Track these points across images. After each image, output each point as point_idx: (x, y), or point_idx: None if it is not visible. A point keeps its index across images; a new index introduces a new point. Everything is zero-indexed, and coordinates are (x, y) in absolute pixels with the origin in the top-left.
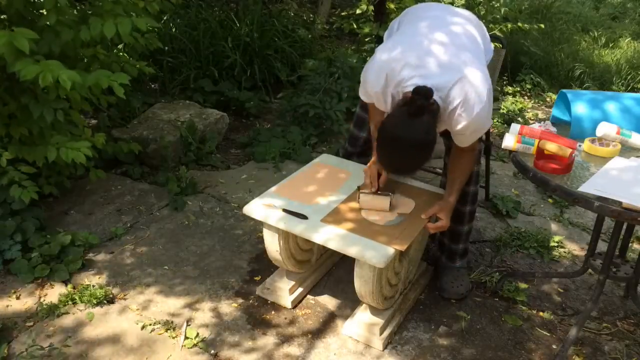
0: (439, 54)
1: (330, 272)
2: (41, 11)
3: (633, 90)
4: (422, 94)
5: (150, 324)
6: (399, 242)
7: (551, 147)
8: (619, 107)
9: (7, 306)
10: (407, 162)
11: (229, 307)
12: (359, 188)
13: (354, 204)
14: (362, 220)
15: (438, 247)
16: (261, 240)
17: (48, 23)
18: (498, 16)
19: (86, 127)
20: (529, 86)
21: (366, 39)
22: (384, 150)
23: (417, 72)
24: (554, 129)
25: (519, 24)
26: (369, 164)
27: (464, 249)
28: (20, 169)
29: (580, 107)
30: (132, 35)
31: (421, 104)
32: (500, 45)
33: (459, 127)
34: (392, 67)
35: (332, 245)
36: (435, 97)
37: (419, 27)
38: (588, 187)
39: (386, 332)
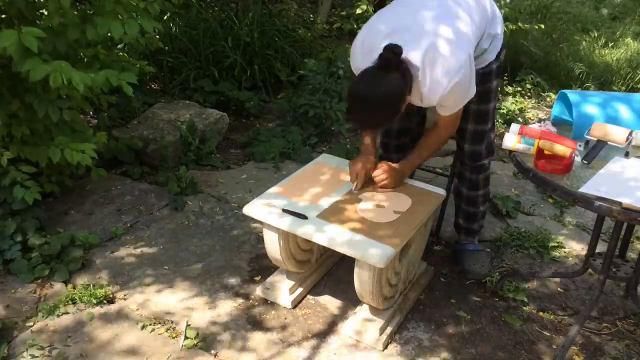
0: (413, 20)
1: (330, 272)
2: (41, 11)
3: (633, 90)
4: (390, 49)
5: (150, 324)
6: (395, 239)
7: (552, 147)
8: (624, 107)
9: (7, 306)
10: (372, 117)
11: (229, 307)
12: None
13: (350, 203)
14: (359, 217)
15: (455, 227)
16: (261, 240)
17: (50, 25)
18: None
19: (87, 127)
20: (529, 86)
21: None
22: (351, 105)
23: (391, 39)
24: (554, 129)
25: (519, 24)
26: (355, 159)
27: (480, 226)
28: (21, 168)
29: (583, 109)
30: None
31: (388, 58)
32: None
33: (424, 93)
34: (370, 39)
35: (332, 245)
36: (409, 64)
37: (401, 1)
38: (588, 188)
39: (386, 332)
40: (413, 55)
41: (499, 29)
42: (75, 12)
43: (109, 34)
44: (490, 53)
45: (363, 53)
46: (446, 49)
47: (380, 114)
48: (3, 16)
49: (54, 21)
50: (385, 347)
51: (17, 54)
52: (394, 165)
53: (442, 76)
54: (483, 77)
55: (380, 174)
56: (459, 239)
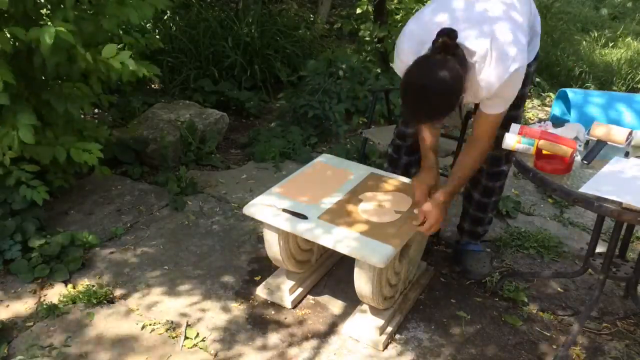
0: (468, 11)
1: (330, 272)
2: (42, 11)
3: (633, 90)
4: (446, 33)
5: (150, 324)
6: (395, 239)
7: (552, 147)
8: (625, 109)
9: (7, 306)
10: (431, 107)
11: (229, 307)
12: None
13: (351, 203)
14: (359, 217)
15: (458, 229)
16: (261, 240)
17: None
18: None
19: (89, 120)
20: None
21: (366, 39)
22: (407, 95)
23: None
24: (554, 129)
25: None
26: (417, 179)
27: (485, 230)
28: (24, 167)
29: (583, 110)
30: (132, 35)
31: (444, 42)
32: None
33: (481, 83)
34: (422, 31)
35: (332, 245)
36: (467, 51)
37: None
38: (589, 188)
39: (386, 332)
40: (473, 42)
41: (539, 27)
42: (76, 13)
43: (133, 21)
44: (530, 52)
45: (412, 46)
46: (506, 35)
47: (440, 104)
48: (5, 15)
49: (69, 16)
50: (385, 347)
51: (50, 48)
52: (435, 202)
53: (501, 63)
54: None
55: (426, 223)
56: (461, 239)
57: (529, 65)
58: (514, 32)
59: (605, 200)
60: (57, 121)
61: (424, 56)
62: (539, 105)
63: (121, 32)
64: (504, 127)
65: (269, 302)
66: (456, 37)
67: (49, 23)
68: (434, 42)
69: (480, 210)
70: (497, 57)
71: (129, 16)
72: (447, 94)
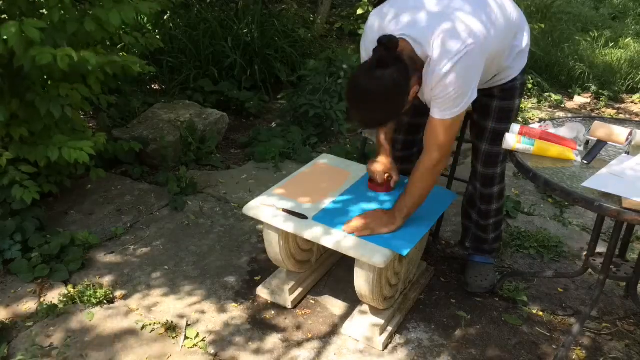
0: (430, 6)
1: (330, 272)
2: (41, 11)
3: (633, 90)
4: (384, 43)
5: (150, 324)
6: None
7: (552, 148)
8: None
9: (7, 306)
10: (367, 114)
11: (228, 307)
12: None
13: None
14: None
15: (461, 245)
16: (261, 240)
17: (51, 20)
18: None
19: (87, 127)
20: (529, 86)
21: None
22: (348, 100)
23: (401, 26)
24: (554, 129)
25: None
26: (372, 161)
27: (493, 249)
28: (21, 168)
29: None
30: (132, 35)
31: (381, 56)
32: None
33: (427, 85)
34: (379, 23)
35: (332, 245)
36: (417, 49)
37: None
38: (592, 183)
39: (386, 332)
40: (422, 34)
41: (526, 41)
42: (76, 13)
43: (114, 23)
44: (513, 68)
45: (373, 37)
46: (457, 29)
47: (379, 112)
48: (4, 16)
49: (55, 17)
50: (385, 347)
51: (20, 46)
52: (378, 210)
53: (442, 56)
54: (506, 92)
55: (353, 220)
56: (467, 251)
57: (515, 79)
58: (469, 31)
59: (606, 200)
60: (37, 125)
61: (363, 64)
62: (539, 105)
63: (121, 32)
64: (493, 142)
65: (269, 302)
66: (396, 46)
67: (23, 19)
68: (374, 50)
69: (481, 231)
70: (439, 52)
71: (110, 19)
72: (384, 103)
